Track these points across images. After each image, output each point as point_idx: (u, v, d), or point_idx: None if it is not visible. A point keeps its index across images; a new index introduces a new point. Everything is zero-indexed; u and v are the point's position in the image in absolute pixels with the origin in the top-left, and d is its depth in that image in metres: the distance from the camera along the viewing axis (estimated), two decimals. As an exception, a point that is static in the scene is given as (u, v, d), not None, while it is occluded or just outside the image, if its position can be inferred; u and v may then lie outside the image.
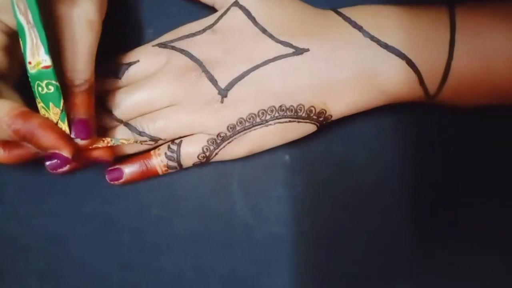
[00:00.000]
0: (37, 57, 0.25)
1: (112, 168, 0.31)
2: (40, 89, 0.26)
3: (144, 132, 0.30)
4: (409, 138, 0.33)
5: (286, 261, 0.32)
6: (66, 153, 0.26)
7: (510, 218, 0.32)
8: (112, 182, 0.31)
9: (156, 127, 0.30)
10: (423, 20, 0.29)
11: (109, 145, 0.29)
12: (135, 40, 0.32)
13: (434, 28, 0.29)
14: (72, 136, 0.27)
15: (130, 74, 0.31)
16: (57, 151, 0.26)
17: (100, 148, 0.29)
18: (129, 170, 0.31)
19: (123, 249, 0.32)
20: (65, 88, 0.26)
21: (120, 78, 0.31)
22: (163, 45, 0.30)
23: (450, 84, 0.29)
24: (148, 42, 0.32)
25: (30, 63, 0.25)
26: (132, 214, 0.32)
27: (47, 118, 0.26)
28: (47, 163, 0.30)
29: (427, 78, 0.29)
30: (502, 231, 0.32)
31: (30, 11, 0.24)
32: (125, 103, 0.30)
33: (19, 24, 0.25)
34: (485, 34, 0.28)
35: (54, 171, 0.30)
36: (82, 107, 0.27)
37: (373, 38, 0.29)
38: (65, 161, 0.27)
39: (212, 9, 0.32)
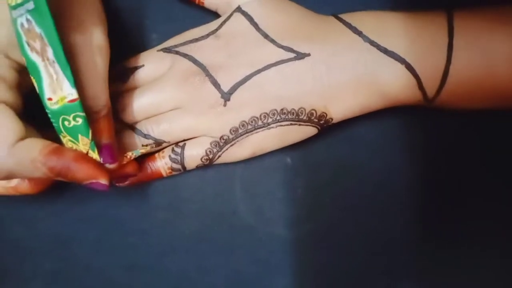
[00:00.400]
0: (60, 92, 0.25)
1: (117, 170, 0.31)
2: (66, 123, 0.26)
3: (149, 135, 0.30)
4: (409, 141, 0.33)
5: (288, 262, 0.33)
6: (104, 181, 0.26)
7: (511, 220, 0.33)
8: (117, 185, 0.31)
9: (160, 130, 0.30)
10: (422, 25, 0.29)
11: (132, 158, 0.29)
12: (140, 45, 0.33)
13: (432, 33, 0.29)
14: (101, 161, 0.27)
15: (135, 78, 0.31)
16: (94, 181, 0.26)
17: (126, 164, 0.29)
18: (134, 172, 0.31)
19: (128, 251, 0.33)
20: (87, 117, 0.26)
21: (125, 82, 0.31)
22: (167, 50, 0.31)
23: (448, 88, 0.29)
24: (152, 47, 0.32)
25: (51, 99, 0.25)
26: (137, 216, 0.33)
27: (80, 151, 0.26)
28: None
29: (426, 82, 0.29)
30: (502, 233, 0.33)
31: (52, 48, 0.24)
32: (130, 106, 0.30)
33: (30, 62, 0.25)
34: (484, 38, 0.28)
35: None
36: (104, 132, 0.27)
37: (373, 43, 0.29)
38: (102, 187, 0.27)
39: (215, 15, 0.32)
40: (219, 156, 0.31)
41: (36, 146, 0.26)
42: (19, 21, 0.24)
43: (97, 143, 0.27)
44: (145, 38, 0.33)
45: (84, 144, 0.26)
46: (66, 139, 0.27)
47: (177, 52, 0.31)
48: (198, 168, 0.32)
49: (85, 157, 0.26)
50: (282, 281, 0.33)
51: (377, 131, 0.33)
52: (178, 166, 0.31)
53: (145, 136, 0.30)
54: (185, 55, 0.30)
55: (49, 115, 0.26)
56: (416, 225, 0.33)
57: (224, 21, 0.31)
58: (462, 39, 0.29)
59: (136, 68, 0.31)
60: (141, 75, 0.31)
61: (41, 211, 0.33)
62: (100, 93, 0.27)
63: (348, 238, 0.33)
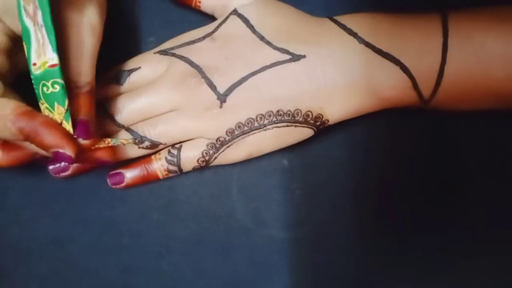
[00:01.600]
0: (43, 57, 0.25)
1: (113, 172, 0.32)
2: (45, 89, 0.26)
3: (145, 137, 0.30)
4: (406, 142, 0.33)
5: (285, 264, 0.33)
6: (69, 151, 0.26)
7: (509, 221, 0.33)
8: (113, 187, 0.32)
9: (157, 132, 0.30)
10: (416, 26, 0.30)
11: (109, 145, 0.29)
12: (137, 47, 0.33)
13: (427, 34, 0.29)
14: (74, 136, 0.27)
15: (132, 80, 0.31)
16: (60, 150, 0.26)
17: (101, 149, 0.29)
18: (130, 174, 0.31)
19: (125, 253, 0.33)
20: (68, 91, 0.27)
21: (122, 85, 0.31)
22: (164, 52, 0.31)
23: (444, 89, 0.29)
24: (149, 49, 0.32)
25: (35, 64, 0.26)
26: (133, 218, 0.33)
27: (51, 118, 0.27)
28: (51, 167, 0.31)
29: (421, 83, 0.29)
30: (500, 234, 0.33)
31: (41, 10, 0.25)
32: (127, 108, 0.31)
33: (24, 27, 0.25)
34: (479, 38, 0.29)
35: (57, 175, 0.31)
36: (84, 108, 0.27)
37: (367, 45, 0.30)
38: (68, 159, 0.26)
39: (211, 18, 0.33)
40: (215, 158, 0.31)
41: (9, 106, 0.26)
42: None
43: (75, 118, 0.27)
44: (142, 41, 0.33)
45: (59, 113, 0.26)
46: (43, 106, 0.27)
47: (173, 54, 0.31)
48: (194, 170, 0.32)
49: (55, 124, 0.26)
50: (279, 282, 0.33)
51: (374, 133, 0.33)
52: (175, 168, 0.31)
53: (142, 138, 0.30)
54: (182, 57, 0.30)
55: (33, 81, 0.26)
56: (414, 226, 0.33)
57: (220, 24, 0.31)
58: (456, 39, 0.29)
59: (133, 70, 0.31)
60: (137, 78, 0.31)
61: (37, 213, 0.33)
62: (85, 70, 0.27)
63: (345, 239, 0.33)
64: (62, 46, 0.26)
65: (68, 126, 0.27)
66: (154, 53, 0.31)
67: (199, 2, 0.32)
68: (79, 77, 0.27)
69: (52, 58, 0.25)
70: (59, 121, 0.27)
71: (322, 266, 0.33)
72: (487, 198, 0.33)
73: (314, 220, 0.33)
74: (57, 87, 0.26)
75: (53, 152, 0.26)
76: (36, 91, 0.26)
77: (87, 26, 0.27)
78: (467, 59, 0.29)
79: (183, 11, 0.33)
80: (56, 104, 0.26)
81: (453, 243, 0.33)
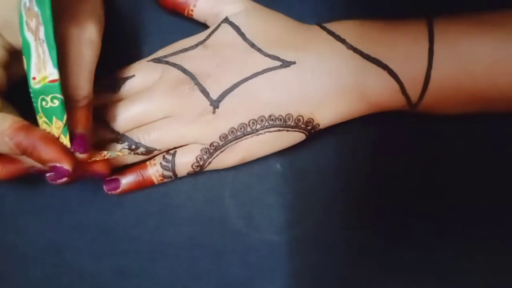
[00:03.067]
0: (43, 71, 0.26)
1: (109, 178, 0.32)
2: (44, 103, 0.26)
3: (140, 143, 0.31)
4: (398, 145, 0.34)
5: (279, 267, 0.33)
6: (67, 166, 0.27)
7: (504, 221, 0.33)
8: (109, 192, 0.32)
9: (151, 138, 0.31)
10: (403, 32, 0.30)
11: (105, 158, 0.30)
12: (131, 56, 0.33)
13: (413, 39, 0.30)
14: (73, 149, 0.27)
15: (126, 88, 0.32)
16: (57, 164, 0.26)
17: (98, 162, 0.29)
18: (126, 180, 0.32)
19: (120, 258, 0.33)
20: (66, 104, 0.27)
21: (117, 92, 0.32)
22: (157, 60, 0.32)
23: (431, 93, 0.30)
24: (143, 58, 0.33)
25: (34, 78, 0.26)
26: (129, 223, 0.33)
27: (48, 132, 0.27)
28: (47, 174, 0.31)
29: (408, 87, 0.30)
30: (492, 233, 0.33)
31: (44, 26, 0.25)
32: (121, 116, 0.31)
33: (24, 41, 0.26)
34: (463, 42, 0.29)
35: (54, 181, 0.31)
36: (81, 122, 0.28)
37: (356, 50, 0.30)
38: (65, 174, 0.27)
39: (204, 26, 0.33)
40: (209, 163, 0.31)
41: (7, 120, 0.26)
42: (23, 1, 0.25)
43: (72, 132, 0.27)
44: (136, 49, 0.34)
45: (57, 127, 0.27)
46: (41, 120, 0.27)
47: (167, 62, 0.31)
48: (189, 175, 0.32)
49: (52, 138, 0.27)
50: (273, 285, 0.33)
51: (365, 136, 0.34)
52: (169, 173, 0.32)
53: (136, 144, 0.31)
54: (175, 65, 0.31)
55: (32, 95, 0.27)
56: (407, 227, 0.33)
57: (212, 32, 0.32)
58: (442, 44, 0.29)
59: (127, 78, 0.32)
60: (131, 85, 0.32)
61: (33, 218, 0.33)
62: (83, 84, 0.28)
63: (338, 241, 0.33)
64: (61, 60, 0.26)
65: (65, 140, 0.27)
66: (148, 61, 0.32)
67: (192, 11, 0.32)
68: (78, 91, 0.27)
69: (52, 73, 0.25)
70: (56, 135, 0.27)
71: (315, 268, 0.33)
72: (480, 200, 0.33)
73: (307, 223, 0.33)
74: (56, 102, 0.26)
75: (50, 166, 0.27)
76: (34, 104, 0.27)
77: (87, 41, 0.28)
78: (452, 64, 0.29)
79: (177, 20, 0.34)
80: (54, 118, 0.26)
81: (445, 243, 0.33)
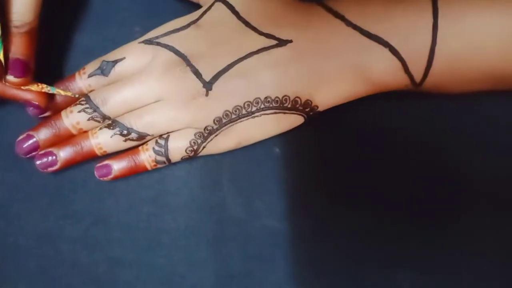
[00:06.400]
0: None
1: (100, 164, 0.31)
2: None
3: (132, 128, 0.30)
4: (400, 128, 0.33)
5: (280, 255, 0.32)
6: None
7: (508, 212, 0.32)
8: (101, 179, 0.31)
9: (143, 123, 0.30)
10: (405, 7, 0.29)
11: (43, 91, 0.30)
12: (123, 38, 0.32)
13: (416, 15, 0.29)
14: (8, 73, 0.28)
15: (117, 71, 0.31)
16: None
17: (33, 91, 0.30)
18: (117, 166, 0.31)
19: (115, 246, 0.32)
20: (7, 29, 0.28)
21: (107, 76, 0.31)
22: (148, 42, 0.31)
23: (436, 70, 0.29)
24: (135, 39, 0.32)
25: None
26: (122, 211, 0.32)
27: None
28: (38, 162, 0.30)
29: (411, 65, 0.29)
30: (500, 224, 0.32)
31: None
32: (112, 100, 0.30)
33: None
34: (470, 17, 0.28)
35: (45, 170, 0.31)
36: (20, 48, 0.29)
37: (355, 27, 0.29)
38: None
39: (197, 6, 0.32)
40: (204, 147, 0.31)
41: None
42: None
43: (11, 55, 0.28)
44: (128, 31, 0.33)
45: None
46: None
47: (158, 43, 0.30)
48: (183, 160, 0.31)
49: None
50: (274, 274, 0.32)
51: (366, 119, 0.33)
52: (163, 159, 0.31)
53: (128, 129, 0.30)
54: (166, 46, 0.30)
55: None
56: (411, 215, 0.32)
57: (205, 11, 0.31)
58: (447, 19, 0.28)
59: (118, 61, 0.31)
60: (122, 68, 0.31)
61: (25, 208, 0.33)
62: (25, 10, 0.28)
63: (340, 228, 0.32)
64: None
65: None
66: (139, 42, 0.31)
67: (184, -11, 0.31)
68: (19, 17, 0.28)
69: None
70: None
71: (316, 255, 0.32)
72: (484, 192, 0.32)
73: (308, 209, 0.32)
74: None
75: None
76: None
77: None
78: (459, 39, 0.28)
79: (169, 0, 0.33)
80: None
81: (454, 229, 0.32)
